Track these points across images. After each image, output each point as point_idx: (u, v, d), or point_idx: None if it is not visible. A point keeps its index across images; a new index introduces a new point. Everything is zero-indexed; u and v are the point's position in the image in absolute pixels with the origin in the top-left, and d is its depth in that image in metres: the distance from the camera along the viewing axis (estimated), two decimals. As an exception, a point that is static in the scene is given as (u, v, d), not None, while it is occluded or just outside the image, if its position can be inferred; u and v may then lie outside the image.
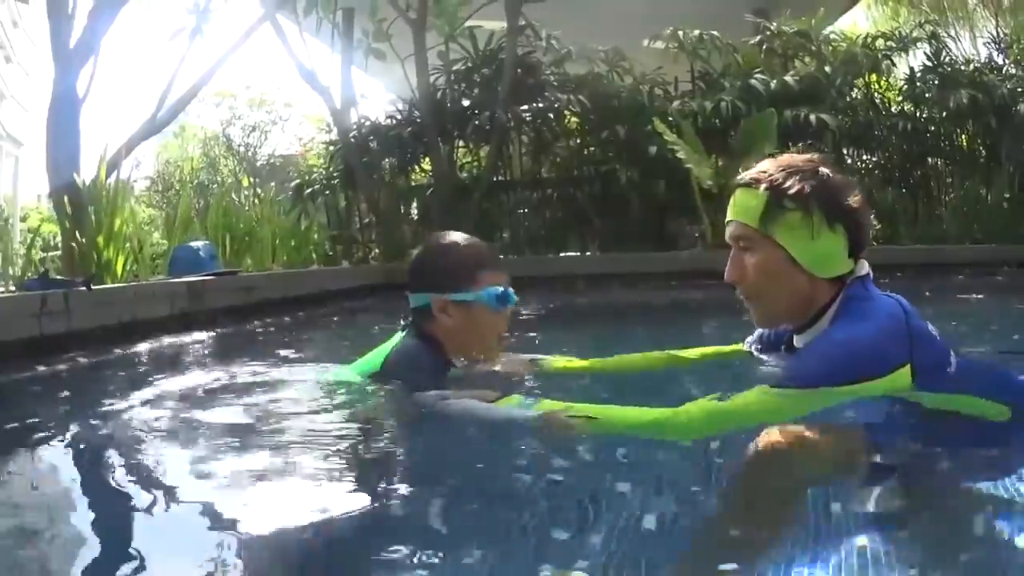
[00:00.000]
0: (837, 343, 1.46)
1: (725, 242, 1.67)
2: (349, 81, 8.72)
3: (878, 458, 1.44)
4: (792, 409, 1.42)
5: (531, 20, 8.16)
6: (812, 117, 7.57)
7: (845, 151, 8.60)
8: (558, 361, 2.17)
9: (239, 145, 11.14)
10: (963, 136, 9.18)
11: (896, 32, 9.07)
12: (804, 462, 1.31)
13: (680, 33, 7.99)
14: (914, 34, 9.14)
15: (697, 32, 8.02)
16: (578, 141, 7.99)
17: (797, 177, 1.54)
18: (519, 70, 7.97)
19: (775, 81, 7.74)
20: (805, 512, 1.30)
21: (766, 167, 1.60)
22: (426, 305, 1.90)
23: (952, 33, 11.44)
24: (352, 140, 8.12)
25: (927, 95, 8.81)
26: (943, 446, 1.52)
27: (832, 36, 8.75)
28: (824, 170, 1.57)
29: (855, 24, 12.05)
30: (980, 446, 1.53)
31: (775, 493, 1.30)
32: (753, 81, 7.72)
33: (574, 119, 7.97)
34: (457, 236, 1.97)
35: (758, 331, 1.96)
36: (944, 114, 8.85)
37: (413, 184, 8.37)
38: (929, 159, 8.97)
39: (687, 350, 2.13)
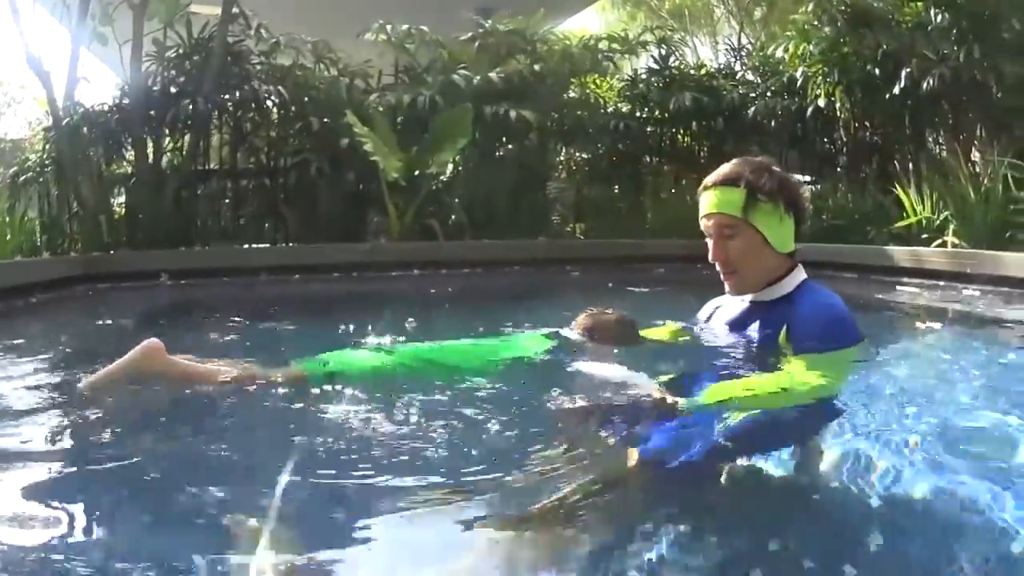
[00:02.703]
0: (828, 308, 1.89)
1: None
2: (75, 65, 8.46)
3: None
4: (844, 366, 1.79)
5: (246, 9, 8.13)
6: (512, 113, 7.84)
7: (553, 147, 8.94)
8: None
9: (-27, 128, 10.66)
10: (686, 137, 9.68)
11: (623, 35, 9.47)
12: None
13: (388, 27, 8.11)
14: (643, 38, 9.57)
15: (406, 26, 8.16)
16: (276, 132, 7.99)
17: (766, 175, 1.94)
18: (228, 58, 7.92)
19: (478, 77, 7.94)
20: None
21: (736, 169, 1.98)
22: None
23: (692, 41, 12.03)
24: (64, 127, 7.89)
25: (646, 96, 9.26)
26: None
27: (550, 36, 9.04)
28: (776, 168, 1.99)
29: (586, 28, 12.50)
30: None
31: None
32: (455, 76, 7.90)
33: (276, 109, 7.98)
34: None
35: (704, 310, 2.31)
36: (667, 115, 9.35)
37: (119, 173, 8.18)
38: (648, 157, 9.42)
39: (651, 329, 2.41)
